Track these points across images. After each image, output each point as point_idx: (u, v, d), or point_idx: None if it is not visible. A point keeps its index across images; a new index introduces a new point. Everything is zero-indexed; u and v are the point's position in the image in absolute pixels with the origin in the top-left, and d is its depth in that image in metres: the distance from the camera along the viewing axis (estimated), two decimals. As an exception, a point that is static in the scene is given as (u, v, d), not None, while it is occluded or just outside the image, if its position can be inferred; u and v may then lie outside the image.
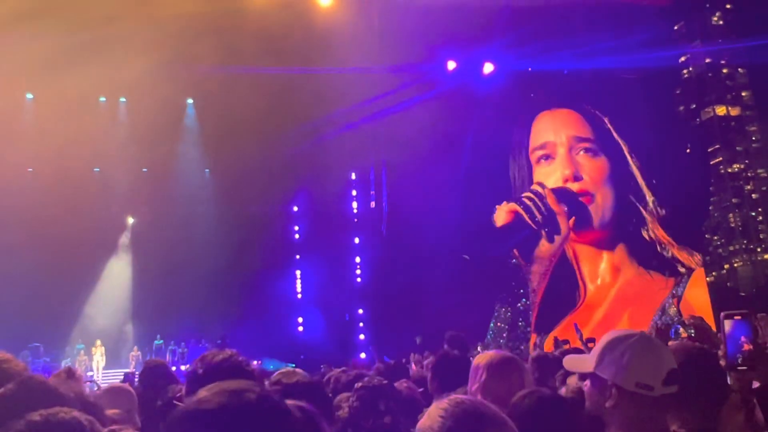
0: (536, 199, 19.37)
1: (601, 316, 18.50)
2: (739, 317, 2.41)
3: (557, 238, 19.36)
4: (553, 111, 20.49)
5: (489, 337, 20.48)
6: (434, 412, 1.59)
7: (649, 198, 19.14)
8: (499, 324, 20.97)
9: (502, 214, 19.97)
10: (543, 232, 19.39)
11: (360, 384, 3.23)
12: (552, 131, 20.30)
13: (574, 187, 19.49)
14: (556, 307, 19.35)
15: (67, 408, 1.65)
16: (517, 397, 2.40)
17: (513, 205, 19.80)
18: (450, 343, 5.08)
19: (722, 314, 2.44)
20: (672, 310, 17.91)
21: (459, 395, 1.65)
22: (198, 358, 2.35)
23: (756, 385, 2.43)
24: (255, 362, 18.87)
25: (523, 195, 19.77)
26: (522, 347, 18.32)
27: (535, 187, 19.70)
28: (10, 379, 2.02)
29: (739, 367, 2.34)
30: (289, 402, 1.35)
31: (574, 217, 19.28)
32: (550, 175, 19.98)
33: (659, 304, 18.34)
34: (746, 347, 2.35)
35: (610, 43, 18.15)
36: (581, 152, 19.78)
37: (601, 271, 19.52)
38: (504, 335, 20.60)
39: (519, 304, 20.56)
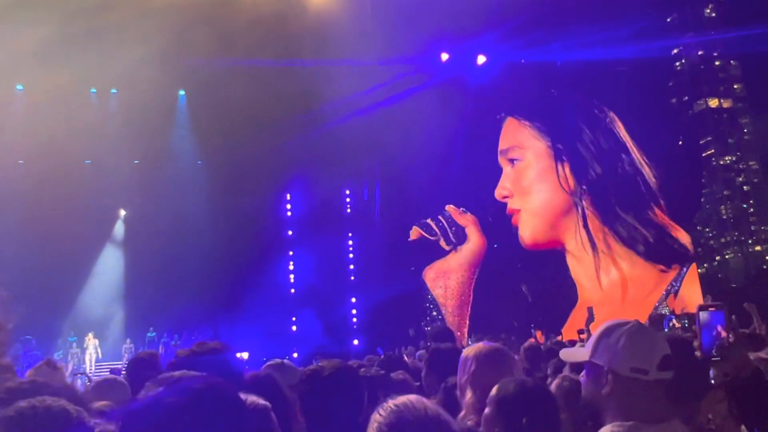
0: (441, 220, 20.97)
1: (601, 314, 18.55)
2: (713, 309, 2.42)
3: (465, 247, 20.53)
4: (514, 120, 20.72)
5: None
6: (372, 425, 1.60)
7: (651, 180, 19.18)
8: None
9: (414, 233, 21.42)
10: (442, 242, 20.75)
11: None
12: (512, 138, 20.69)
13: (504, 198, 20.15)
14: (555, 304, 19.42)
15: (55, 397, 1.66)
16: (501, 388, 2.42)
17: (416, 229, 21.29)
18: (434, 337, 5.08)
19: (697, 306, 2.46)
20: (665, 310, 17.99)
21: (397, 400, 1.64)
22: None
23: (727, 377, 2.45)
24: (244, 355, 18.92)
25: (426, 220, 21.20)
26: (513, 337, 18.42)
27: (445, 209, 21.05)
28: None
29: (713, 359, 2.36)
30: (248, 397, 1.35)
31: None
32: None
33: (656, 300, 18.44)
34: (722, 338, 2.36)
35: (603, 34, 18.16)
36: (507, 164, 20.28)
37: (586, 270, 19.57)
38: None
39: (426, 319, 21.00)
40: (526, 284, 20.48)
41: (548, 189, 19.73)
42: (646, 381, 1.98)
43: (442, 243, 20.77)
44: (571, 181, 19.53)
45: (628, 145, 19.43)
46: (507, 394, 2.38)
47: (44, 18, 16.69)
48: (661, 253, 18.84)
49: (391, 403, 1.64)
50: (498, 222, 20.21)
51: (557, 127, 19.75)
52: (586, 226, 19.28)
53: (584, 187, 19.39)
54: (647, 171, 19.29)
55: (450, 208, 20.75)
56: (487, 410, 2.40)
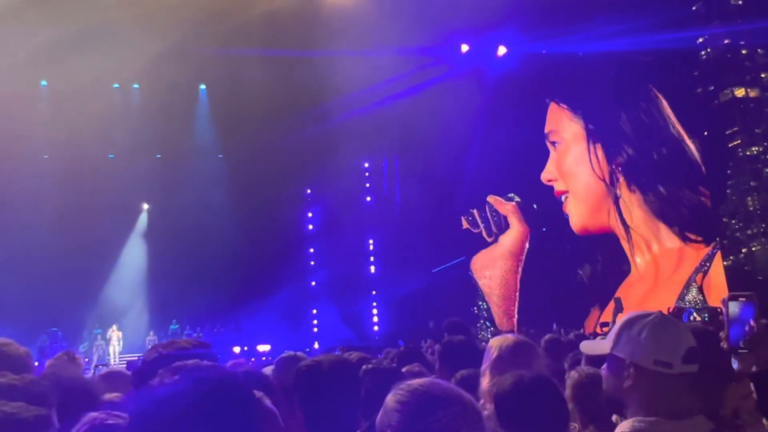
0: (485, 210, 20.54)
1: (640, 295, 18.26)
2: (743, 299, 2.34)
3: (507, 236, 20.07)
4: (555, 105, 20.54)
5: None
6: (390, 405, 1.57)
7: (696, 153, 18.83)
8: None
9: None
10: (483, 233, 20.41)
11: (370, 366, 3.22)
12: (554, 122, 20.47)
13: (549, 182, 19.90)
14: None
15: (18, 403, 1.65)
16: (498, 384, 2.39)
17: (463, 219, 21.00)
18: (449, 330, 5.03)
19: (727, 295, 2.38)
20: (693, 291, 17.72)
21: (413, 381, 1.61)
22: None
23: (754, 368, 2.37)
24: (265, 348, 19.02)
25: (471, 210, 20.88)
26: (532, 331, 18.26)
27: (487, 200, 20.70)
28: (10, 362, 2.02)
29: (740, 350, 2.28)
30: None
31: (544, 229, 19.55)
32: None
33: (686, 277, 18.10)
34: (751, 329, 2.29)
35: (626, 24, 17.86)
36: (550, 147, 20.03)
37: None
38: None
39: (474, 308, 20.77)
40: (586, 266, 20.13)
41: (587, 172, 19.50)
42: (670, 375, 1.90)
43: (484, 234, 20.44)
44: (604, 164, 19.28)
45: (671, 120, 19.11)
46: (504, 389, 2.34)
47: (67, 15, 16.90)
48: (696, 228, 18.55)
49: (405, 384, 1.61)
50: (544, 206, 20.07)
51: (592, 109, 19.51)
52: (618, 209, 19.01)
53: (618, 167, 19.10)
54: (691, 146, 18.98)
55: (492, 198, 20.39)
56: (490, 407, 2.38)
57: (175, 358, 1.82)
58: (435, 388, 1.58)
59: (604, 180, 19.20)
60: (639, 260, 18.92)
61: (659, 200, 18.69)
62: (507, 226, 20.19)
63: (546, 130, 20.18)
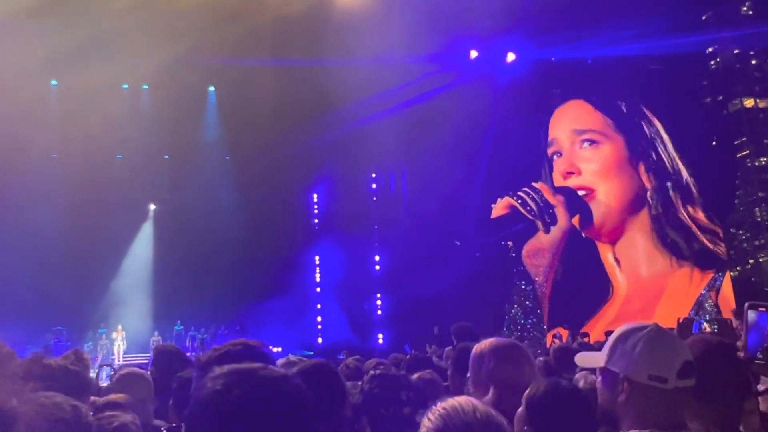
0: (532, 193, 19.79)
1: (637, 311, 18.23)
2: (764, 309, 2.30)
3: (554, 229, 19.53)
4: (562, 106, 20.46)
5: (504, 331, 20.29)
6: (422, 430, 1.57)
7: (690, 181, 18.88)
8: (512, 318, 20.85)
9: (498, 208, 20.38)
10: (539, 223, 19.62)
11: (378, 371, 3.19)
12: (558, 127, 20.37)
13: (573, 182, 19.57)
14: (582, 301, 19.16)
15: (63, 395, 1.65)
16: (533, 388, 2.35)
17: (508, 200, 20.15)
18: (457, 335, 4.93)
19: (747, 304, 2.33)
20: (708, 304, 17.69)
21: (446, 402, 1.60)
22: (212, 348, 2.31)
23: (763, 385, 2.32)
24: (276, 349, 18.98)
25: (519, 191, 20.17)
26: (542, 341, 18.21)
27: (533, 185, 20.07)
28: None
29: (757, 361, 2.24)
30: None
31: (578, 215, 19.31)
32: (557, 170, 20.21)
33: (694, 299, 18.12)
34: None
35: (635, 31, 17.83)
36: (584, 145, 19.72)
37: (629, 264, 19.29)
38: (519, 328, 20.44)
39: (528, 301, 20.46)
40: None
41: (624, 178, 19.39)
42: (665, 389, 1.85)
43: (539, 223, 19.75)
44: (647, 177, 19.25)
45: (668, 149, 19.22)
46: (537, 393, 2.31)
47: (79, 18, 17.02)
48: (701, 249, 18.59)
49: (440, 406, 1.59)
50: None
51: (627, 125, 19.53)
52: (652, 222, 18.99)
53: (656, 183, 19.11)
54: (683, 169, 19.03)
55: (541, 185, 19.92)
56: (520, 409, 2.35)
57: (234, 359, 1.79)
58: (469, 411, 1.57)
59: (648, 192, 19.13)
60: (643, 274, 18.92)
61: (674, 226, 18.77)
62: (555, 218, 19.68)
63: (578, 126, 19.86)
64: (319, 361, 2.71)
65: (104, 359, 18.85)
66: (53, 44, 17.29)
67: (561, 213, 19.54)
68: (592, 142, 19.69)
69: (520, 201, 19.91)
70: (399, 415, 2.92)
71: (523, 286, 20.71)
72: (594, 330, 16.46)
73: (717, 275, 18.40)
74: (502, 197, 20.37)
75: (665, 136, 19.26)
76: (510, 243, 20.68)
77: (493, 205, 20.49)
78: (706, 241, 18.72)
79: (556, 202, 19.54)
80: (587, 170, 19.58)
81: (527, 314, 20.55)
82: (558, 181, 20.01)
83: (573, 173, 19.60)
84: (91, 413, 1.99)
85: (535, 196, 19.73)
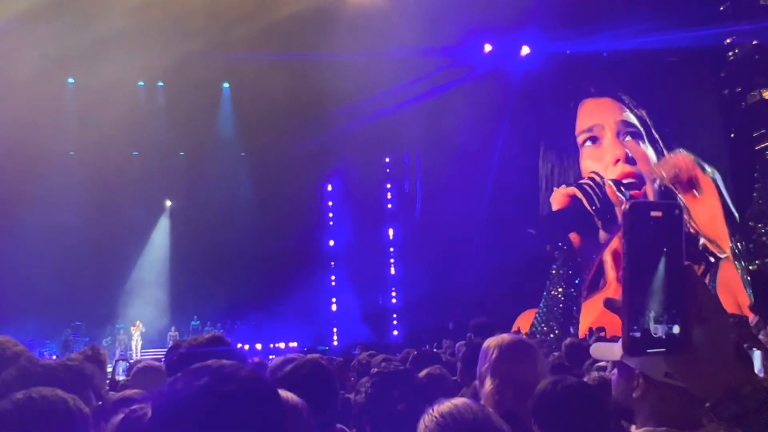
0: (595, 187, 18.68)
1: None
2: None
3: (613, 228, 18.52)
4: (597, 99, 19.97)
5: (536, 323, 19.79)
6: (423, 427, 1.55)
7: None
8: (545, 309, 20.19)
9: (558, 197, 19.60)
10: (600, 221, 18.69)
11: (376, 369, 3.17)
12: (598, 116, 19.67)
13: (626, 169, 18.72)
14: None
15: (51, 387, 1.68)
16: (542, 384, 2.34)
17: (572, 189, 19.24)
18: (475, 330, 4.91)
19: None
20: None
21: (443, 406, 1.59)
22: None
23: None
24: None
25: (582, 181, 19.15)
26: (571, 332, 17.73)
27: (592, 175, 19.00)
28: (6, 361, 2.04)
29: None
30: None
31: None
32: (598, 158, 19.29)
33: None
34: None
35: (652, 23, 17.61)
36: (628, 137, 19.13)
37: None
38: (551, 323, 19.87)
39: (572, 289, 19.65)
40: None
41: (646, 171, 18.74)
42: (681, 388, 1.76)
43: (598, 222, 18.49)
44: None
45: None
46: (546, 390, 2.30)
47: (94, 16, 17.15)
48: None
49: (437, 410, 1.58)
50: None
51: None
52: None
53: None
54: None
55: (603, 180, 18.68)
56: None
57: (199, 356, 1.81)
58: (464, 416, 1.56)
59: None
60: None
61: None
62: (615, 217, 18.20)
63: (615, 119, 19.28)
64: (311, 358, 2.71)
65: (121, 354, 19.05)
66: (69, 43, 17.44)
67: (619, 213, 18.62)
68: (634, 135, 18.99)
69: (583, 193, 18.68)
70: (395, 413, 2.89)
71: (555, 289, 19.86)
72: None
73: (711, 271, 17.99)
74: (558, 186, 19.42)
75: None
76: (533, 231, 19.82)
77: (555, 189, 19.55)
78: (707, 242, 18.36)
79: (617, 201, 18.21)
80: (638, 160, 18.81)
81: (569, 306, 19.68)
82: (594, 168, 19.31)
83: (627, 160, 18.78)
84: (100, 403, 2.01)
85: (598, 191, 18.48)
